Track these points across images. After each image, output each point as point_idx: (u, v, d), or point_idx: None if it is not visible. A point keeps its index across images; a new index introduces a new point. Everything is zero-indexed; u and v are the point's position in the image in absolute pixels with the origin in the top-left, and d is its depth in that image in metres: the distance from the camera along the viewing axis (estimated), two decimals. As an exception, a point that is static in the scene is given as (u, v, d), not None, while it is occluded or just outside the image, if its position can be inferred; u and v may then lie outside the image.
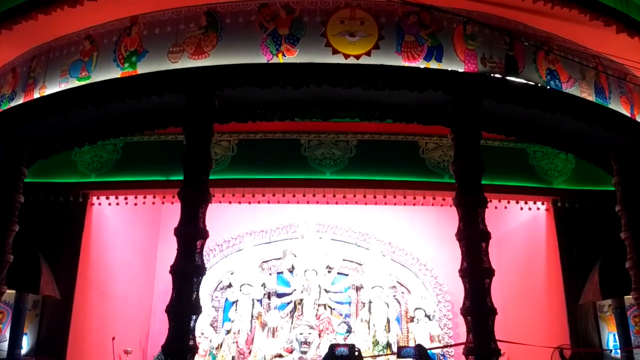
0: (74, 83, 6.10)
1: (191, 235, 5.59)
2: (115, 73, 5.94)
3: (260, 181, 8.08)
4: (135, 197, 8.23)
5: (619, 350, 7.85)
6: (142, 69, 5.86)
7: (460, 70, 5.91)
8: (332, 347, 3.85)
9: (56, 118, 6.30)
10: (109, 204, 8.33)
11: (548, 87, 6.20)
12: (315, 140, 8.25)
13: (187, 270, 5.49)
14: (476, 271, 5.66)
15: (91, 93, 5.95)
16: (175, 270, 5.48)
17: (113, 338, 8.54)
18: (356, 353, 3.81)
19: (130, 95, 5.84)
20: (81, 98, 6.00)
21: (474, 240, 5.75)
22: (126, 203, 8.32)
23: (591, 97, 6.52)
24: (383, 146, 8.31)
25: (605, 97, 6.68)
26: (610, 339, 8.15)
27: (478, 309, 5.57)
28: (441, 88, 5.87)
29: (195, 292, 5.50)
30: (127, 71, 5.89)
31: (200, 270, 5.58)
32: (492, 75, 5.93)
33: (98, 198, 8.25)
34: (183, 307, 5.38)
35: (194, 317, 5.42)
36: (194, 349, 5.44)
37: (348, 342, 9.73)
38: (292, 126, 8.19)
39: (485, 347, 5.45)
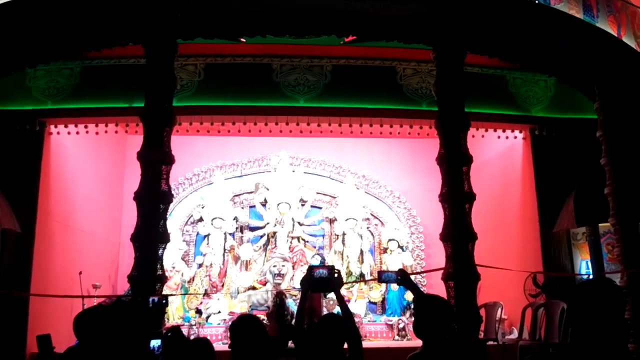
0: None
1: (155, 159, 5.10)
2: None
3: (229, 108, 7.54)
4: (96, 126, 7.60)
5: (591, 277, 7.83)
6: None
7: (445, -19, 5.40)
8: (311, 269, 3.50)
9: (2, 33, 5.59)
10: (68, 132, 7.70)
11: (536, 2, 5.74)
12: (288, 65, 7.69)
13: (153, 196, 5.03)
14: (457, 195, 5.35)
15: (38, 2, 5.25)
16: (139, 196, 5.02)
17: (80, 273, 8.11)
18: (335, 275, 3.46)
19: (83, 4, 5.16)
20: (28, 8, 5.29)
21: (455, 163, 5.41)
22: (87, 132, 7.70)
23: (579, 15, 6.09)
24: (359, 72, 7.80)
25: (593, 15, 6.25)
26: (583, 266, 8.10)
27: (458, 234, 5.29)
28: (423, 1, 5.35)
29: (162, 220, 5.06)
30: (78, -22, 5.19)
31: (167, 197, 5.13)
32: (477, -13, 5.44)
33: (56, 127, 7.61)
34: (149, 234, 4.95)
35: (161, 245, 5.00)
36: (163, 279, 5.06)
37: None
38: (263, 49, 7.60)
39: (465, 271, 5.22)
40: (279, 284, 9.27)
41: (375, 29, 5.75)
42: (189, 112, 7.45)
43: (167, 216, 9.78)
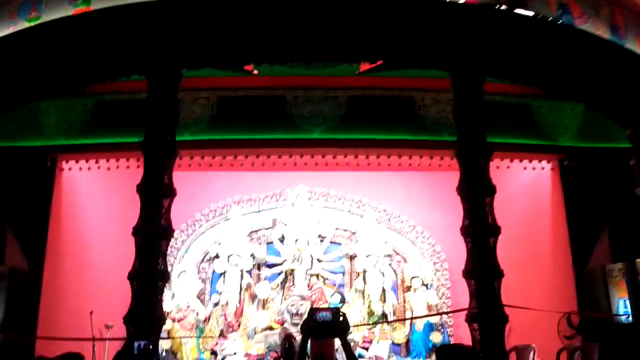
0: (24, 25, 5.25)
1: (155, 191, 4.79)
2: (68, 11, 5.07)
3: (243, 142, 7.28)
4: (107, 161, 7.40)
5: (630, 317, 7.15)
6: (97, 4, 5.00)
7: (461, 1, 5.07)
8: (313, 312, 3.06)
9: (7, 67, 5.45)
10: (80, 168, 7.52)
11: (559, 22, 5.36)
12: (302, 96, 7.41)
13: (152, 231, 4.69)
14: (480, 228, 4.88)
15: (42, 35, 5.10)
16: (137, 231, 4.70)
17: (91, 312, 7.76)
18: (341, 318, 3.01)
19: (85, 36, 4.98)
20: (31, 41, 5.15)
21: (476, 194, 4.96)
22: (98, 167, 7.50)
23: (606, 36, 5.68)
24: (376, 102, 7.47)
25: (621, 36, 5.84)
26: (621, 305, 7.43)
27: (482, 270, 4.80)
28: (438, 22, 5.03)
29: (162, 257, 4.71)
30: (81, 8, 5.03)
31: (167, 232, 4.78)
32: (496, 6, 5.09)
33: (67, 162, 7.44)
34: (147, 272, 4.59)
35: (159, 284, 4.64)
36: (161, 321, 4.67)
37: (342, 312, 9.00)
38: (277, 81, 7.36)
39: (491, 312, 4.70)
40: (297, 323, 8.76)
41: (390, 54, 5.42)
42: (201, 146, 7.23)
43: (184, 253, 9.63)
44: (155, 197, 4.75)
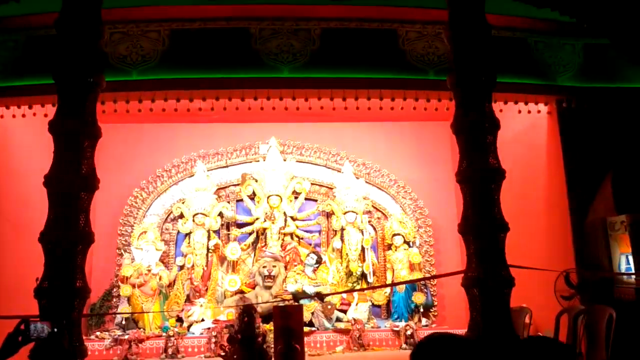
0: None
1: (74, 130, 3.60)
2: None
3: (200, 81, 6.03)
4: (43, 106, 6.11)
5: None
6: None
7: None
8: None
9: None
10: (13, 115, 6.24)
11: None
12: (269, 29, 6.16)
13: (69, 181, 3.53)
14: (480, 171, 3.81)
15: None
16: (50, 180, 3.53)
17: (37, 279, 6.63)
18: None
19: None
20: None
21: (477, 130, 3.87)
22: (34, 114, 6.22)
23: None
24: (354, 36, 6.27)
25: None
26: (623, 261, 6.52)
27: (483, 224, 3.75)
28: None
29: (84, 213, 3.56)
30: None
31: (89, 182, 3.62)
32: None
33: (-3, 107, 6.17)
34: (63, 233, 3.46)
35: (79, 247, 3.50)
36: (84, 292, 3.56)
37: (317, 273, 8.03)
38: (239, 11, 6.10)
39: (494, 274, 3.68)
40: (270, 286, 7.77)
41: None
42: (151, 86, 5.98)
43: (145, 213, 8.44)
44: (73, 136, 3.56)
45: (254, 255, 8.29)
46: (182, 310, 7.74)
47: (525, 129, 7.30)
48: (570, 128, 6.69)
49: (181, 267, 8.12)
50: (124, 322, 7.57)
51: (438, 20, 6.16)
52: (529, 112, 6.84)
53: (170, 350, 7.06)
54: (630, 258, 6.39)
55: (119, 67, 5.92)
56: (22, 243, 6.67)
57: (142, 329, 7.47)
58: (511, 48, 6.57)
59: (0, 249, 6.39)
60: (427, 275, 8.16)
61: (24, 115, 6.26)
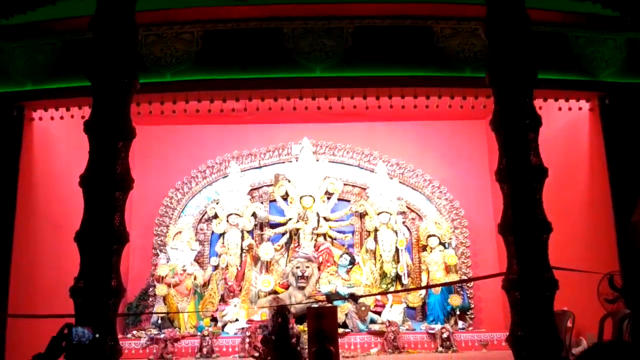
0: None
1: (108, 131, 3.60)
2: None
3: (232, 82, 5.99)
4: (80, 108, 6.19)
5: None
6: None
7: None
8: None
9: None
10: (52, 118, 6.34)
11: None
12: (301, 28, 6.08)
13: (104, 180, 3.53)
14: (521, 170, 3.64)
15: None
16: (85, 180, 3.54)
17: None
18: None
19: None
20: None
21: (518, 127, 3.70)
22: (72, 116, 6.30)
23: None
24: (387, 33, 6.13)
25: None
26: (671, 263, 6.19)
27: (525, 224, 3.58)
28: None
29: (118, 213, 3.56)
30: None
31: (124, 182, 3.61)
32: None
33: (36, 110, 6.26)
34: (99, 232, 3.45)
35: (115, 246, 3.50)
36: (119, 291, 3.55)
37: (351, 274, 7.92)
38: (271, 11, 6.06)
39: (536, 276, 3.51)
40: (303, 287, 7.69)
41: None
42: (186, 87, 5.99)
43: (180, 213, 8.48)
44: (108, 138, 3.56)
45: (287, 255, 8.24)
46: (217, 310, 7.75)
47: (565, 126, 7.02)
48: (613, 125, 6.39)
49: (215, 267, 8.14)
50: (159, 322, 7.61)
51: (474, 16, 5.99)
52: (570, 109, 6.58)
53: (205, 350, 7.05)
54: (679, 260, 6.06)
55: (153, 69, 5.94)
56: (61, 243, 6.77)
57: (177, 328, 7.50)
58: (550, 43, 6.32)
59: (41, 249, 6.47)
60: (463, 277, 7.95)
61: (62, 117, 6.35)
